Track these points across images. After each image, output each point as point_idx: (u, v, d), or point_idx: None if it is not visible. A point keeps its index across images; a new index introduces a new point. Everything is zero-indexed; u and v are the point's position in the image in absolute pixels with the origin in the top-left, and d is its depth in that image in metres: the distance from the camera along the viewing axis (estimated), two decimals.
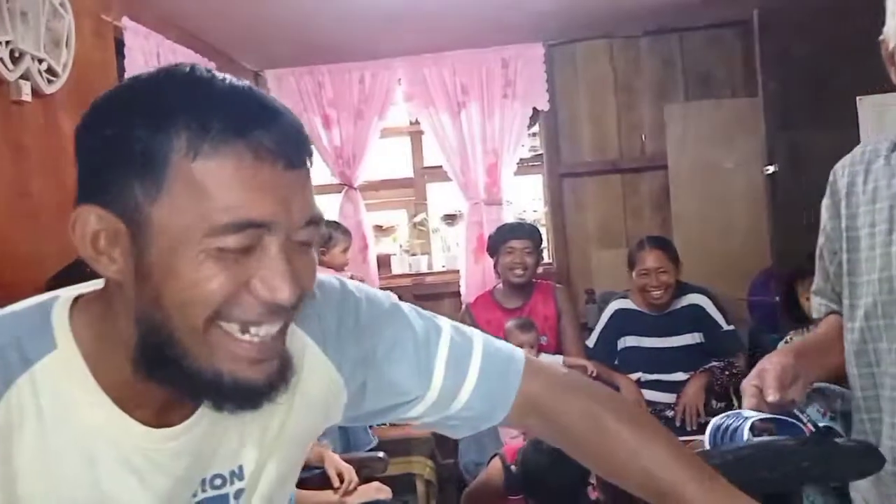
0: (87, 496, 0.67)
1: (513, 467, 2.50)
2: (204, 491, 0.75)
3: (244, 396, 0.65)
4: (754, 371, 1.18)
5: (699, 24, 3.70)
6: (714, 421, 1.06)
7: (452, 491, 3.22)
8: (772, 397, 1.10)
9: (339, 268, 3.12)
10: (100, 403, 0.67)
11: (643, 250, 3.06)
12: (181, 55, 2.90)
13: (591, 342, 3.23)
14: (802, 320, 2.68)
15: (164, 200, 0.61)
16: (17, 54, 2.01)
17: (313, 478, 2.48)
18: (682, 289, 3.10)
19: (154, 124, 0.61)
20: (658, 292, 3.01)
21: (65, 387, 0.66)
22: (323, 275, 0.80)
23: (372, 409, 0.85)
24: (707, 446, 1.03)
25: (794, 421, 1.03)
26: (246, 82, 0.66)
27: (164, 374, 0.65)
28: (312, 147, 0.68)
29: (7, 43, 1.96)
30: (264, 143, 0.61)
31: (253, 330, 0.64)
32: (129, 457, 0.69)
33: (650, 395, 3.04)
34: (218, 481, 0.76)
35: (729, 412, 1.09)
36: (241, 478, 0.77)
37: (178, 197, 0.60)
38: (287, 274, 0.63)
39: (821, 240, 1.37)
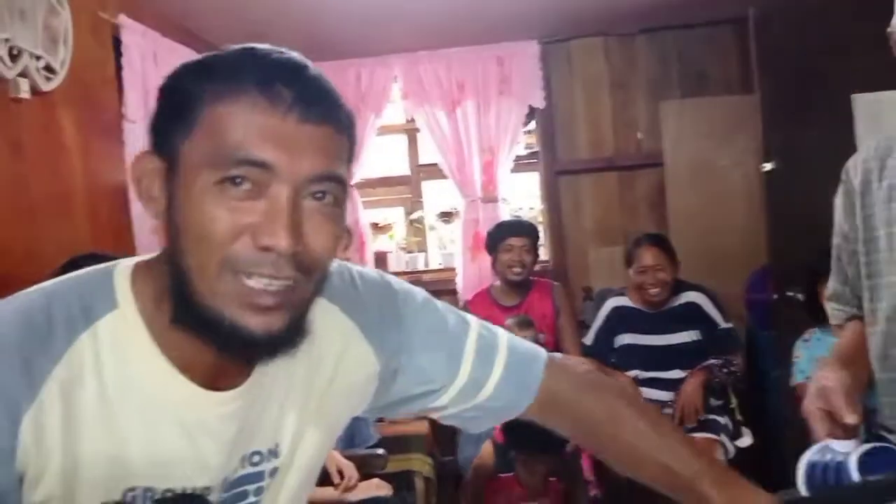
0: (143, 454, 0.69)
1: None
2: (243, 467, 0.78)
3: (242, 343, 0.68)
4: (813, 391, 1.05)
5: (695, 21, 3.71)
6: (805, 459, 0.94)
7: (451, 487, 3.22)
8: (851, 419, 0.98)
9: None
10: (156, 362, 0.71)
11: (640, 248, 3.06)
12: (179, 53, 2.90)
13: (588, 340, 3.24)
14: (825, 319, 2.69)
15: (190, 139, 0.67)
16: (15, 52, 2.00)
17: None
18: (679, 286, 3.11)
19: (196, 75, 0.69)
20: (655, 290, 3.01)
21: (124, 344, 0.70)
22: (364, 267, 0.87)
23: (398, 397, 0.89)
24: (803, 489, 0.91)
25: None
26: (294, 53, 0.71)
27: (185, 317, 0.69)
28: (350, 115, 0.73)
29: (6, 41, 1.96)
30: (282, 94, 0.66)
31: (256, 278, 0.66)
32: (183, 416, 0.72)
33: (648, 392, 3.04)
34: (256, 458, 0.79)
35: (813, 446, 0.96)
36: (276, 455, 0.80)
37: (199, 135, 0.67)
38: (287, 222, 0.66)
39: (836, 240, 1.32)
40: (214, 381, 0.73)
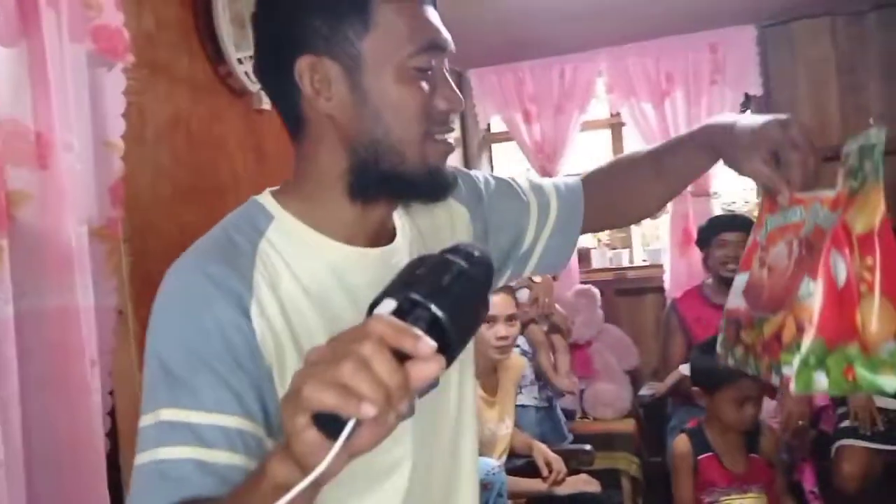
0: (352, 319, 0.74)
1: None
2: None
3: (442, 186, 0.85)
4: None
5: None
6: None
7: (661, 490, 3.14)
8: None
9: None
10: (326, 243, 0.84)
11: None
12: None
13: None
14: None
15: (372, 35, 0.79)
16: None
17: (523, 466, 2.54)
18: None
19: None
20: None
21: (295, 241, 0.83)
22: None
23: (496, 254, 1.04)
24: None
25: None
26: None
27: (380, 187, 0.83)
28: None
29: (250, 58, 2.19)
30: None
31: (443, 136, 0.84)
32: (364, 275, 0.83)
33: (882, 401, 2.78)
34: None
35: None
36: None
37: (381, 31, 0.79)
38: (454, 88, 0.84)
39: None
40: (376, 242, 0.88)
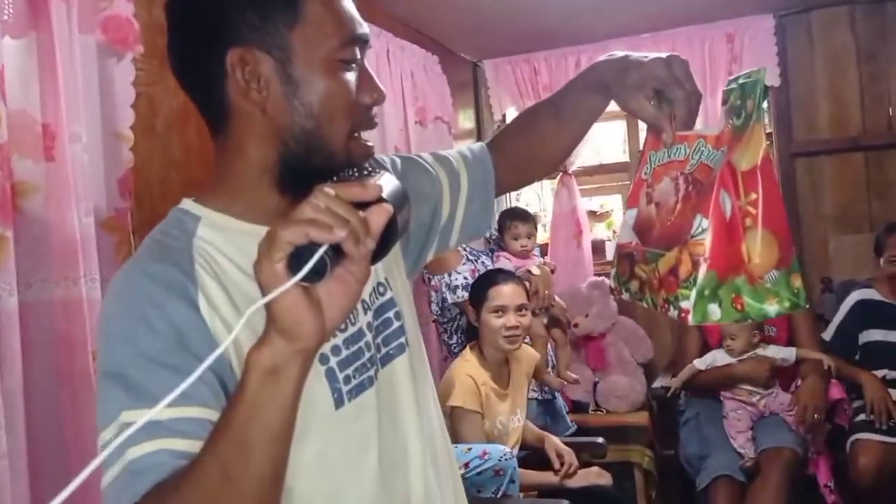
0: None
1: None
2: (377, 297, 0.94)
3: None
4: None
5: None
6: None
7: (675, 483, 3.13)
8: None
9: (520, 255, 3.05)
10: (255, 228, 0.81)
11: (894, 234, 2.78)
12: (408, 50, 3.06)
13: (827, 335, 2.99)
14: None
15: (300, 28, 0.80)
16: None
17: (534, 457, 2.53)
18: None
19: None
20: None
21: (227, 234, 0.83)
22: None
23: (419, 229, 1.06)
24: None
25: None
26: None
27: (309, 179, 0.78)
28: None
29: None
30: None
31: (365, 133, 0.86)
32: None
33: None
34: (381, 288, 0.95)
35: None
36: (389, 287, 0.96)
37: (309, 22, 0.80)
38: (376, 80, 0.85)
39: None
40: None
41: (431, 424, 0.99)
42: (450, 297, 2.80)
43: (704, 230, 0.82)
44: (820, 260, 3.62)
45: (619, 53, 1.00)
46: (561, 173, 3.95)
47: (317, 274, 0.63)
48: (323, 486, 0.83)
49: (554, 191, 4.01)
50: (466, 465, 2.13)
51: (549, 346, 3.03)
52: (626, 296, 0.98)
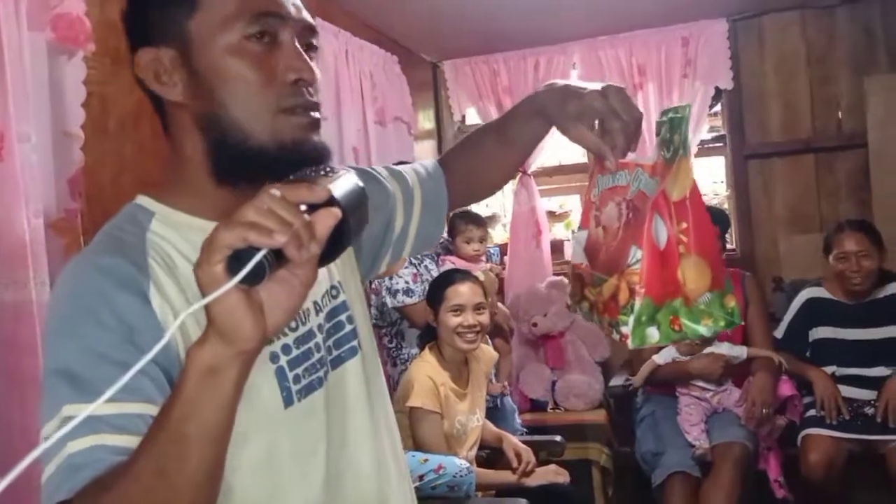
0: None
1: None
2: (329, 301, 0.94)
3: (303, 160, 0.78)
4: None
5: None
6: None
7: (632, 480, 3.18)
8: None
9: (471, 259, 3.07)
10: (207, 224, 0.81)
11: (842, 233, 2.86)
12: (367, 50, 3.05)
13: (779, 333, 3.06)
14: None
15: (197, 15, 0.79)
16: None
17: (491, 457, 2.55)
18: (885, 277, 2.86)
19: None
20: (858, 278, 2.80)
21: (179, 228, 0.83)
22: None
23: (373, 233, 1.07)
24: None
25: None
26: None
27: (236, 167, 0.82)
28: None
29: None
30: None
31: (300, 111, 0.81)
32: None
33: (847, 391, 2.84)
34: (334, 291, 0.96)
35: None
36: (342, 290, 0.97)
37: (206, 7, 0.79)
38: (305, 58, 0.82)
39: None
40: None
41: (383, 429, 0.99)
42: (390, 302, 2.79)
43: (639, 260, 0.87)
44: (771, 259, 3.70)
45: (560, 83, 1.02)
46: (520, 174, 3.98)
47: (256, 277, 0.62)
48: (267, 485, 0.83)
49: (514, 191, 4.04)
50: (421, 477, 2.14)
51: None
52: (579, 314, 1.03)
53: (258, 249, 0.61)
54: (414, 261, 2.87)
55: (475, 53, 3.96)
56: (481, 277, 2.86)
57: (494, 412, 2.91)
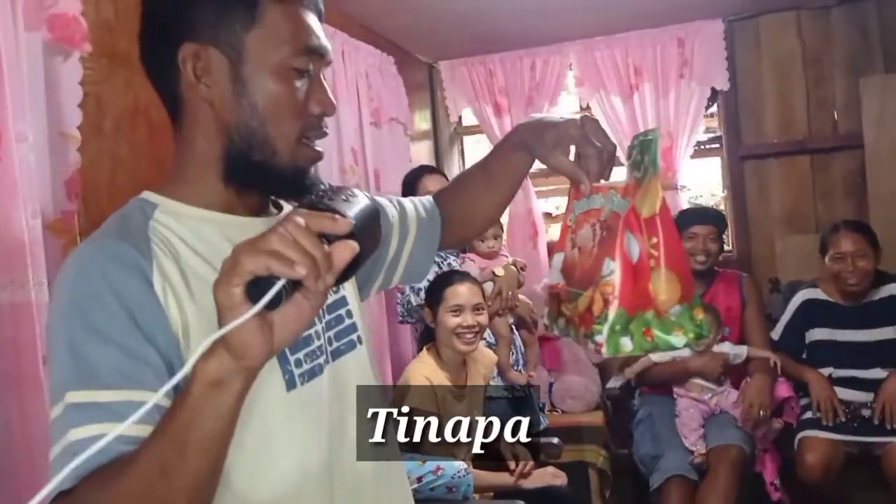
0: None
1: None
2: (329, 294, 0.93)
3: (305, 187, 0.88)
4: None
5: None
6: None
7: (629, 482, 3.17)
8: None
9: (488, 255, 3.06)
10: (212, 216, 0.88)
11: (837, 233, 2.85)
12: (363, 51, 3.04)
13: (776, 334, 3.06)
14: None
15: (257, 31, 0.84)
16: None
17: (489, 456, 2.54)
18: (882, 278, 2.87)
19: None
20: (854, 279, 2.80)
21: (183, 220, 0.86)
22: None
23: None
24: None
25: None
26: None
27: (250, 176, 0.87)
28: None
29: None
30: None
31: (315, 142, 0.89)
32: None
33: (844, 393, 2.83)
34: (335, 286, 0.95)
35: None
36: (342, 287, 0.99)
37: (266, 28, 0.84)
38: (329, 93, 0.88)
39: None
40: (258, 215, 0.93)
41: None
42: (414, 300, 2.80)
43: (613, 271, 0.91)
44: (767, 260, 3.71)
45: (537, 116, 1.10)
46: None
47: (273, 304, 0.65)
48: (265, 467, 0.85)
49: None
50: (419, 478, 2.14)
51: (517, 344, 3.04)
52: (556, 331, 1.07)
53: (277, 279, 0.64)
54: (437, 258, 2.87)
55: (471, 54, 3.96)
56: (500, 273, 2.85)
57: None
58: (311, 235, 0.66)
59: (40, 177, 1.47)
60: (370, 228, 0.73)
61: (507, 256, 3.00)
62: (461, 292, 2.42)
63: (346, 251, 0.68)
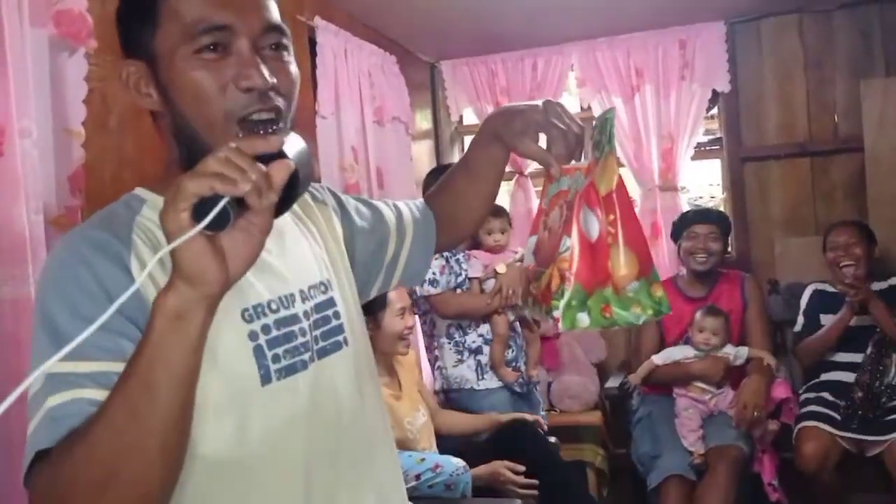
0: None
1: None
2: (316, 296, 0.98)
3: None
4: None
5: None
6: None
7: (627, 482, 3.18)
8: None
9: (493, 250, 3.03)
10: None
11: (835, 228, 3.04)
12: (366, 50, 3.05)
13: (797, 327, 3.10)
14: None
15: (159, 32, 0.85)
16: None
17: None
18: (884, 271, 2.99)
19: None
20: (850, 265, 2.90)
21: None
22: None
23: (365, 256, 1.14)
24: None
25: None
26: None
27: None
28: None
29: None
30: None
31: (254, 116, 0.85)
32: None
33: (845, 376, 2.88)
34: (322, 287, 1.00)
35: None
36: (331, 287, 1.01)
37: (166, 26, 0.85)
38: (255, 64, 0.85)
39: None
40: None
41: (372, 424, 1.03)
42: (417, 290, 2.81)
43: (568, 248, 0.93)
44: (767, 262, 3.71)
45: (505, 105, 1.14)
46: (517, 175, 3.99)
47: (220, 224, 0.67)
48: (239, 456, 0.86)
49: (510, 192, 4.05)
50: (418, 476, 2.14)
51: (518, 343, 3.04)
52: (527, 312, 1.09)
53: (221, 198, 0.66)
54: (447, 254, 2.87)
55: (473, 54, 3.96)
56: (502, 270, 2.84)
57: (523, 398, 2.92)
58: (247, 156, 0.68)
59: (44, 172, 1.48)
60: (304, 155, 0.75)
61: (515, 251, 2.97)
62: (403, 295, 2.43)
63: (282, 169, 0.70)
